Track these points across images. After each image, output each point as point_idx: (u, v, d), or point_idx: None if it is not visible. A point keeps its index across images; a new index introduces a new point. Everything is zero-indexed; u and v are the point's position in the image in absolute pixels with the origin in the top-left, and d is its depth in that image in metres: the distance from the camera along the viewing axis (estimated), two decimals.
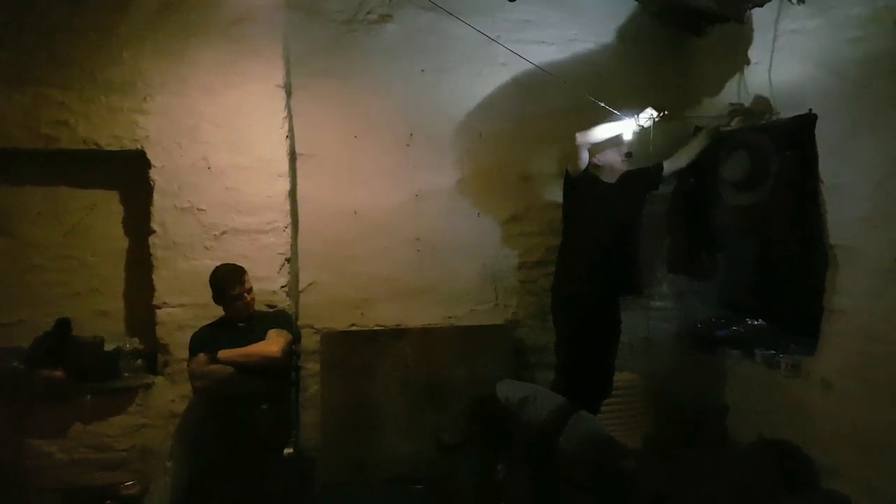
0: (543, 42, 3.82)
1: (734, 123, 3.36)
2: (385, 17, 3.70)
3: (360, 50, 3.68)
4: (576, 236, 3.37)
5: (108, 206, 3.52)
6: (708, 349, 3.65)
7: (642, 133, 3.45)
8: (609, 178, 3.34)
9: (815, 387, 2.99)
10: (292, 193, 3.54)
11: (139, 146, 3.33)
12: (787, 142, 3.06)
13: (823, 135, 2.93)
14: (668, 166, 3.41)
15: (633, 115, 3.28)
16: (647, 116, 3.15)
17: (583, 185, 3.31)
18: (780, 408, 3.19)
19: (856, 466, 2.74)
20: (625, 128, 3.29)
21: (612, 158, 3.34)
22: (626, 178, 3.37)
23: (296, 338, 3.30)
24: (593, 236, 3.29)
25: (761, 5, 3.32)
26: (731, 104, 3.35)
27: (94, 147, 3.30)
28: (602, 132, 3.22)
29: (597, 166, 3.32)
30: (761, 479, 2.83)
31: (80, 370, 3.25)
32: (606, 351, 3.37)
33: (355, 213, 3.72)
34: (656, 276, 3.93)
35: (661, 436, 3.63)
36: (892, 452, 2.60)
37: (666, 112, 3.21)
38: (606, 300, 3.34)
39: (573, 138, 3.23)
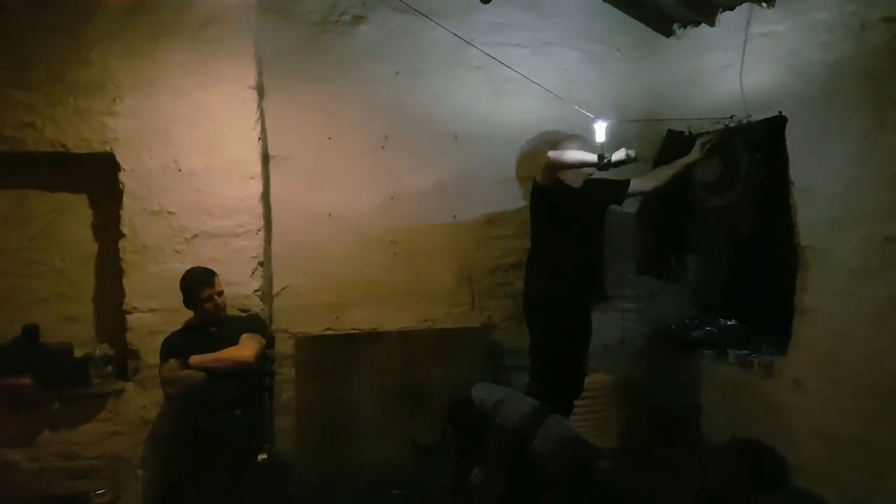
0: (518, 45, 3.82)
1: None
2: (359, 19, 3.68)
3: (334, 51, 3.65)
4: (546, 242, 3.38)
5: (76, 210, 3.45)
6: (682, 350, 3.68)
7: (618, 137, 3.48)
8: (575, 184, 3.37)
9: (787, 386, 3.02)
10: (265, 196, 3.51)
11: (108, 148, 3.27)
12: (757, 144, 3.09)
13: (793, 137, 2.97)
14: (635, 185, 3.43)
15: (605, 119, 3.29)
16: (621, 157, 3.04)
17: (552, 193, 3.33)
18: (752, 407, 3.22)
19: (826, 464, 2.78)
20: (598, 130, 3.29)
21: (580, 171, 3.35)
22: (590, 185, 3.40)
23: (269, 342, 3.27)
24: (563, 241, 3.32)
25: (731, 8, 3.37)
26: (702, 141, 3.35)
27: (62, 149, 3.24)
28: (573, 153, 3.20)
29: (565, 174, 3.35)
30: (734, 478, 2.86)
31: (48, 377, 3.19)
32: (579, 352, 3.40)
33: (330, 215, 3.69)
34: (629, 278, 3.95)
35: (636, 436, 3.66)
36: (861, 450, 2.64)
37: (637, 158, 3.09)
38: (578, 304, 3.36)
39: (544, 153, 3.26)
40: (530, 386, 3.33)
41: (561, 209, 3.32)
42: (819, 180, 2.85)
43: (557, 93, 3.49)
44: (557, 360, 3.31)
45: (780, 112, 3.01)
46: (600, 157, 3.33)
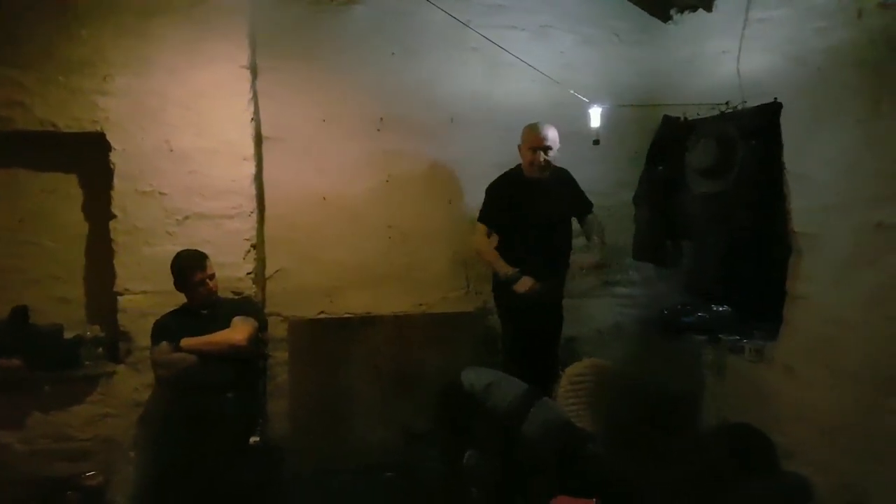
0: (515, 27, 3.80)
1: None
2: None
3: (329, 31, 3.61)
4: (507, 233, 3.39)
5: (66, 190, 3.41)
6: (674, 335, 3.70)
7: (614, 122, 3.48)
8: (536, 176, 3.38)
9: (778, 371, 3.05)
10: (258, 178, 3.48)
11: (99, 128, 3.23)
12: (752, 130, 3.09)
13: (789, 123, 2.97)
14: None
15: (601, 104, 3.30)
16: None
17: (516, 181, 3.38)
18: (743, 392, 3.25)
19: (815, 448, 2.80)
20: (594, 114, 3.30)
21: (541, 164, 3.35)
22: (555, 179, 3.43)
23: (262, 325, 3.25)
24: (524, 232, 3.34)
25: None
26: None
27: (52, 129, 3.20)
28: (493, 262, 3.36)
29: (526, 168, 3.40)
30: (724, 461, 2.87)
31: (38, 359, 3.17)
32: (547, 343, 3.47)
33: (324, 198, 3.67)
34: (624, 263, 3.97)
35: (627, 420, 3.67)
36: (850, 434, 2.67)
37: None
38: (544, 294, 3.37)
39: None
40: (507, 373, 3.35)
41: (521, 201, 3.34)
42: (813, 167, 2.85)
43: (554, 76, 3.48)
44: (523, 349, 3.36)
45: (776, 99, 3.01)
46: (595, 141, 3.34)
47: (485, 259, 3.48)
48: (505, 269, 3.31)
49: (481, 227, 3.43)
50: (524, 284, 3.26)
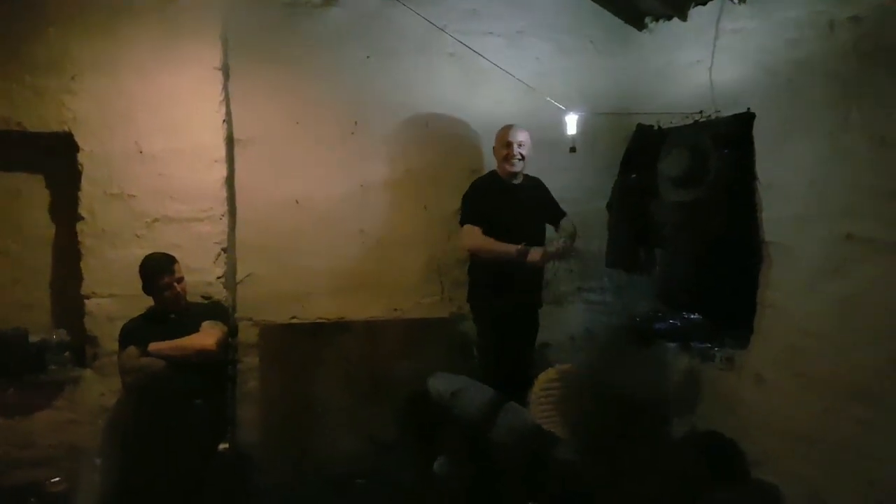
0: (491, 33, 3.79)
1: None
2: (330, 1, 3.61)
3: (303, 34, 3.58)
4: (489, 233, 3.35)
5: (32, 192, 3.36)
6: (646, 342, 3.71)
7: (589, 129, 3.49)
8: (511, 180, 3.41)
9: (748, 380, 3.06)
10: (230, 181, 3.44)
11: (66, 128, 3.18)
12: (725, 140, 3.11)
13: (760, 133, 2.99)
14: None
15: (576, 111, 3.31)
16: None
17: (492, 185, 3.40)
18: (713, 400, 3.26)
19: (784, 457, 2.82)
20: (569, 122, 3.30)
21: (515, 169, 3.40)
22: (530, 186, 3.47)
23: (232, 330, 3.22)
24: (500, 237, 3.31)
25: (703, 4, 3.37)
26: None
27: (18, 128, 3.15)
28: (493, 246, 3.28)
29: (501, 169, 3.42)
30: (694, 469, 2.89)
31: (2, 363, 3.10)
32: (522, 349, 3.46)
33: (297, 202, 3.63)
34: (597, 270, 3.97)
35: (598, 427, 3.68)
36: (818, 443, 2.69)
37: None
38: (519, 301, 3.38)
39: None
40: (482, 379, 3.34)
41: (497, 203, 3.34)
42: (784, 177, 2.87)
43: (529, 83, 3.48)
44: (499, 355, 3.35)
45: (749, 108, 3.03)
46: (572, 149, 3.35)
47: (487, 251, 3.32)
48: (513, 249, 3.22)
49: (470, 227, 3.36)
50: (536, 254, 3.20)
